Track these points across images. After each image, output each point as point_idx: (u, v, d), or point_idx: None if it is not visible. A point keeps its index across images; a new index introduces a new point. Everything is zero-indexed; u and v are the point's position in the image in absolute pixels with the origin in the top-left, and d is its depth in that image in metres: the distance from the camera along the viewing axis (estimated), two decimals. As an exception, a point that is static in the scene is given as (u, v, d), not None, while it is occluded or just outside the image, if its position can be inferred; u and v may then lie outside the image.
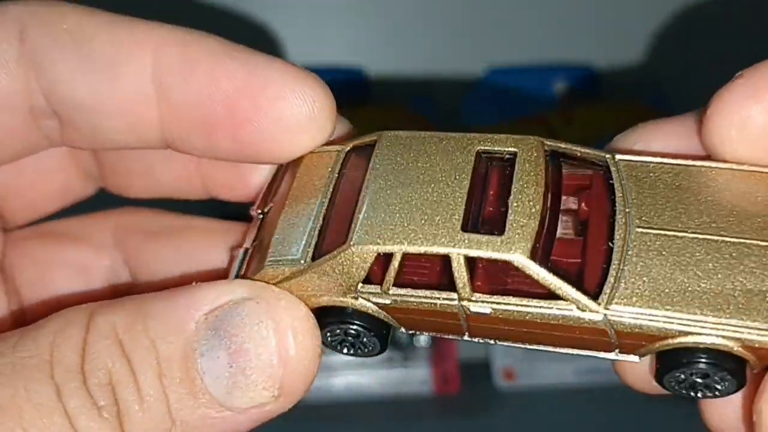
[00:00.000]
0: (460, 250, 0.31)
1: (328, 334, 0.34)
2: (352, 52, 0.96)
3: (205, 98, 0.34)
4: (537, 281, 0.31)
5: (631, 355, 0.32)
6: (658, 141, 0.36)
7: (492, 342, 0.34)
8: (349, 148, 0.36)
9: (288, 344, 0.31)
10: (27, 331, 0.31)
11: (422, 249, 0.31)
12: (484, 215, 0.33)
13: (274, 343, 0.31)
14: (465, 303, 0.32)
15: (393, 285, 0.32)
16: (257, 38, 0.93)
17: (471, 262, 0.32)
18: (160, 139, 0.36)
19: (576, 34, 0.98)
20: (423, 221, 0.32)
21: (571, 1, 0.96)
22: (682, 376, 0.31)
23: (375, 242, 0.32)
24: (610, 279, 0.31)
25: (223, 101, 0.34)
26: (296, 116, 0.34)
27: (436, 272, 0.33)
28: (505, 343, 0.34)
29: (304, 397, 0.32)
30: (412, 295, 0.32)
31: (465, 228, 0.32)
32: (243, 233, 0.38)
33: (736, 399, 0.33)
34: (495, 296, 0.32)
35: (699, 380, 0.31)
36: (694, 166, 0.34)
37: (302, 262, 0.33)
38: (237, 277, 0.35)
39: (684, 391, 0.32)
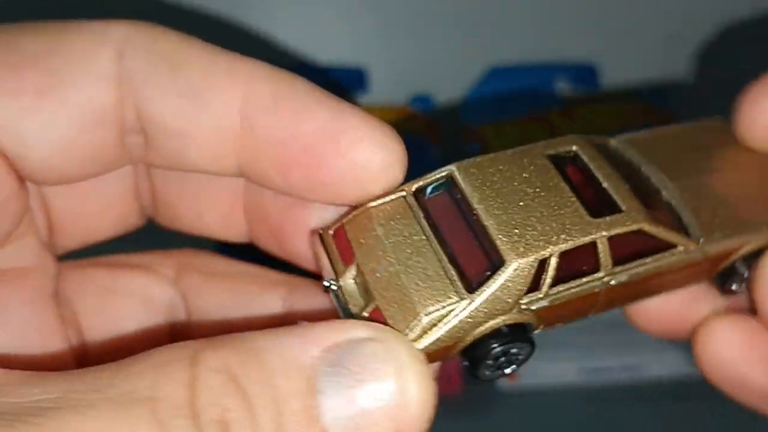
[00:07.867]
0: (602, 233, 0.35)
1: (489, 362, 0.36)
2: (352, 52, 0.96)
3: (289, 137, 0.35)
4: (660, 239, 0.36)
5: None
6: None
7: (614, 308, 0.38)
8: (413, 190, 0.37)
9: (408, 386, 0.31)
10: (120, 366, 0.29)
11: (572, 244, 0.34)
12: (596, 202, 0.36)
13: (394, 383, 0.31)
14: (608, 278, 0.36)
15: (551, 286, 0.35)
16: (256, 37, 0.93)
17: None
18: (236, 168, 0.37)
19: (577, 32, 0.98)
20: (557, 223, 0.34)
21: (572, -1, 0.96)
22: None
23: (531, 252, 0.33)
24: (691, 221, 0.38)
25: (305, 141, 0.35)
26: (373, 161, 0.35)
27: (576, 263, 0.35)
28: (626, 305, 0.40)
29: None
30: (566, 288, 0.35)
31: (594, 216, 0.35)
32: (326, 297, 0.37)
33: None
34: (628, 264, 0.36)
35: None
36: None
37: (463, 299, 0.33)
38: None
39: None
